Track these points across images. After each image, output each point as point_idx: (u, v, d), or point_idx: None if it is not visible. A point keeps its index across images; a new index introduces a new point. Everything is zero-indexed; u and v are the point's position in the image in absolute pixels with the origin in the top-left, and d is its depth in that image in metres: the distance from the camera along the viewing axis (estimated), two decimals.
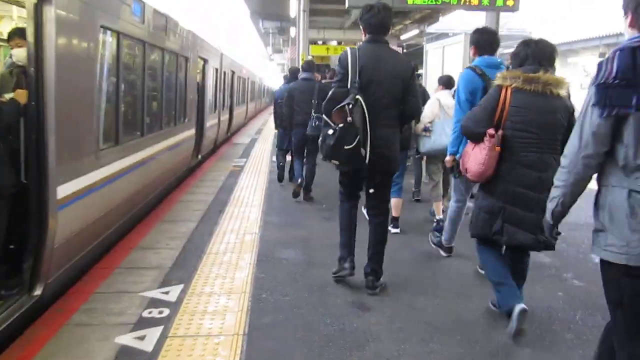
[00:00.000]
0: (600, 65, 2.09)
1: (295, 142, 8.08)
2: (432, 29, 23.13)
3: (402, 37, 22.10)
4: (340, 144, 3.87)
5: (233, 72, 18.18)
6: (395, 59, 4.13)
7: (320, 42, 22.08)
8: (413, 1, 8.47)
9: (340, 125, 3.87)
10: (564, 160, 2.29)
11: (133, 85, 6.66)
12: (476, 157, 3.47)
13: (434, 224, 5.91)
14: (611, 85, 2.03)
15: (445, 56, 8.86)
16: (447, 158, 4.57)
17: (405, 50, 23.46)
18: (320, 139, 4.08)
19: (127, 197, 6.01)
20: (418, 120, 5.87)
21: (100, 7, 4.96)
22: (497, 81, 3.42)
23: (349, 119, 3.81)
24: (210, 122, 12.79)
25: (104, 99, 5.27)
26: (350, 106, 3.82)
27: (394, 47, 22.22)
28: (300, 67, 9.23)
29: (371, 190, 4.26)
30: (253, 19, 23.06)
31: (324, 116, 4.08)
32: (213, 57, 12.93)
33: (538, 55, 3.43)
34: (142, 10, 6.34)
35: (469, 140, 3.73)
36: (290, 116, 7.90)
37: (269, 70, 60.72)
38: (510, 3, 8.59)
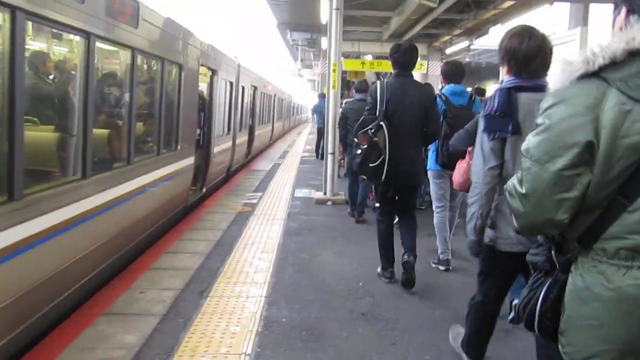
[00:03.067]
0: (486, 101, 2.89)
1: (349, 162, 8.06)
2: (476, 44, 20.59)
3: (448, 51, 19.60)
4: (365, 161, 4.66)
5: (255, 88, 15.93)
6: (418, 90, 4.80)
7: (354, 56, 19.74)
8: None
9: (365, 146, 4.64)
10: (474, 178, 2.90)
11: (67, 99, 4.36)
12: (459, 170, 3.77)
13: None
14: (494, 116, 2.78)
15: None
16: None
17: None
18: (352, 156, 5.33)
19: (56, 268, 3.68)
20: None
21: None
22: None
23: (375, 139, 4.58)
24: (220, 146, 10.47)
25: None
26: (373, 130, 4.60)
27: (436, 62, 19.87)
28: (354, 86, 9.08)
29: (397, 199, 4.93)
30: (280, 30, 20.85)
31: (355, 139, 4.80)
32: (226, 69, 10.63)
33: None
34: None
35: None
36: (344, 137, 7.94)
37: (299, 87, 58.65)
38: None
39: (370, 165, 4.58)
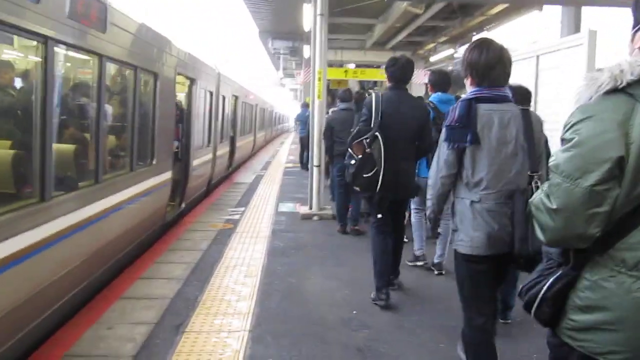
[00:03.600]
0: (448, 112, 2.99)
1: (336, 174, 7.85)
2: (460, 52, 20.35)
3: (432, 59, 19.34)
4: (360, 172, 4.60)
5: (236, 97, 15.45)
6: (413, 104, 4.84)
7: (337, 65, 19.33)
8: None
9: (360, 156, 4.59)
10: (430, 181, 3.13)
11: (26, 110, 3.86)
12: None
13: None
14: (454, 127, 2.89)
15: (541, 66, 6.00)
16: None
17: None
18: (346, 167, 4.91)
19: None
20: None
21: None
22: None
23: (368, 150, 4.54)
24: (200, 158, 9.96)
25: None
26: (368, 140, 4.55)
27: (420, 70, 19.57)
28: (337, 96, 8.66)
29: (382, 214, 4.80)
30: (262, 38, 20.40)
31: (349, 149, 4.74)
32: (205, 77, 10.14)
33: None
34: None
35: None
36: (330, 148, 7.68)
37: (281, 96, 58.16)
38: None
39: (365, 175, 4.56)
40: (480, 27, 14.16)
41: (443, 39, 16.67)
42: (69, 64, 4.89)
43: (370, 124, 4.61)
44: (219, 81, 11.96)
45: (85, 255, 4.64)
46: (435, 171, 3.06)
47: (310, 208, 8.69)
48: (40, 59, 3.77)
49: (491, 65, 2.90)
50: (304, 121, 15.39)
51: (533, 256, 2.56)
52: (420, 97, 6.02)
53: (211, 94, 11.08)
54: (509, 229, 2.77)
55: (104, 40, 4.80)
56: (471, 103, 2.87)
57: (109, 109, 5.42)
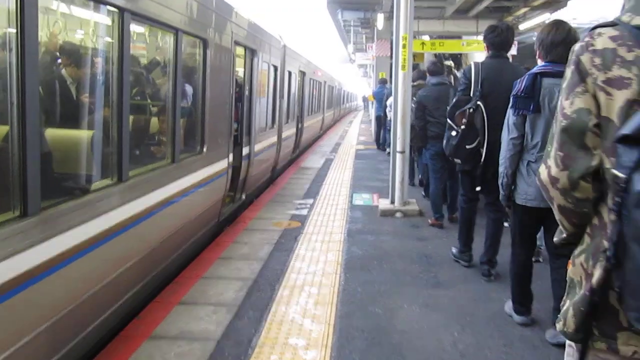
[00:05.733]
0: (515, 83, 3.47)
1: (430, 159, 6.70)
2: (552, 19, 18.05)
3: (522, 27, 17.20)
4: (462, 143, 4.51)
5: (303, 74, 14.10)
6: (514, 72, 4.41)
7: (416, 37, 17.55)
8: None
9: (463, 127, 4.48)
10: (502, 146, 3.67)
11: None
12: None
13: None
14: (520, 96, 3.37)
15: None
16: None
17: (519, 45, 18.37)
18: (445, 140, 4.81)
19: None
20: None
21: None
22: None
23: (465, 121, 4.49)
24: (263, 143, 8.71)
25: None
26: (472, 110, 4.42)
27: None
28: (426, 69, 7.92)
29: (481, 188, 4.65)
30: (330, 9, 18.85)
31: (448, 120, 4.71)
32: (269, 50, 8.83)
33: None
34: None
35: None
36: (423, 129, 6.53)
37: (348, 73, 56.38)
38: None
39: (467, 147, 4.47)
40: None
41: (537, 2, 14.54)
42: (72, 26, 3.64)
43: (470, 93, 4.54)
44: (284, 54, 10.64)
45: (100, 279, 3.44)
46: (506, 134, 3.59)
47: (392, 202, 7.25)
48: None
49: (556, 43, 3.29)
50: (380, 99, 13.90)
51: None
52: (522, 67, 5.09)
53: (275, 68, 9.78)
54: None
55: None
56: (536, 77, 3.31)
57: (133, 80, 4.18)
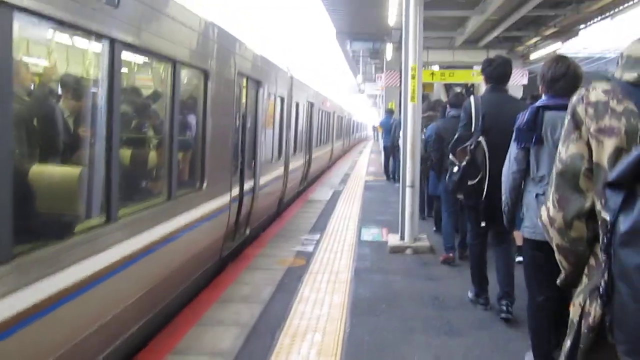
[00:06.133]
0: (518, 116, 3.47)
1: (444, 191, 6.36)
2: (563, 48, 17.86)
3: (533, 57, 17.03)
4: (464, 179, 4.50)
5: (311, 104, 13.95)
6: (515, 106, 4.40)
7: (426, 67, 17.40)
8: None
9: (464, 163, 4.48)
10: (502, 178, 3.62)
11: None
12: None
13: None
14: (522, 129, 3.39)
15: None
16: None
17: (530, 75, 18.13)
18: (447, 175, 4.84)
19: None
20: None
21: None
22: None
23: (467, 158, 4.45)
24: (268, 175, 8.49)
25: None
26: (472, 146, 4.42)
27: (517, 69, 17.31)
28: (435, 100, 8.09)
29: (486, 223, 4.48)
30: (339, 39, 18.85)
31: (450, 156, 4.75)
32: (274, 81, 8.67)
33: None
34: None
35: None
36: (440, 161, 6.36)
37: (358, 103, 56.47)
38: None
39: (470, 182, 4.45)
40: (600, 13, 11.85)
41: (549, 31, 14.37)
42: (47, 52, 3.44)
43: (471, 129, 4.54)
44: (291, 85, 10.49)
45: (84, 329, 3.16)
46: (507, 168, 3.56)
47: (402, 238, 6.94)
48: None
49: (556, 78, 3.38)
50: (387, 129, 13.70)
51: None
52: (522, 100, 5.45)
53: (282, 99, 9.61)
54: None
55: (117, 18, 3.33)
56: (538, 110, 3.36)
57: (126, 112, 3.97)
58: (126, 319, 3.77)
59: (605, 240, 1.41)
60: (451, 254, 6.22)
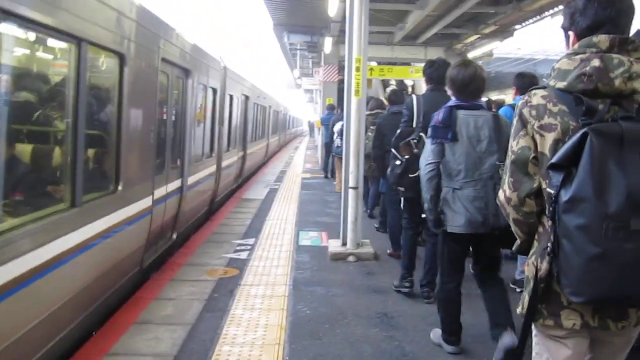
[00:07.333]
0: (433, 115, 3.74)
1: (388, 189, 6.10)
2: (498, 48, 17.96)
3: (470, 55, 16.96)
4: (405, 173, 4.61)
5: (247, 97, 13.24)
6: None
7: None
8: None
9: (407, 157, 4.62)
10: (420, 172, 3.76)
11: None
12: None
13: None
14: (437, 127, 3.61)
15: None
16: None
17: None
18: (389, 169, 4.94)
19: None
20: None
21: None
22: None
23: (415, 150, 4.49)
24: (198, 174, 7.76)
25: None
26: (416, 141, 4.56)
27: None
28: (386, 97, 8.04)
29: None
30: (276, 32, 18.15)
31: (392, 150, 4.85)
32: (206, 71, 7.94)
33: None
34: None
35: None
36: (381, 158, 6.04)
37: (294, 98, 55.84)
38: None
39: (410, 176, 4.53)
40: (540, 12, 11.77)
41: (488, 29, 14.27)
42: None
43: (412, 125, 4.76)
44: (225, 77, 9.76)
45: None
46: (423, 161, 3.74)
47: (344, 244, 6.41)
48: None
49: (466, 83, 3.66)
50: (327, 125, 13.19)
51: (504, 228, 2.63)
52: None
53: (214, 91, 8.87)
54: (484, 211, 3.47)
55: None
56: (452, 109, 3.63)
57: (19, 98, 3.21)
58: (14, 354, 3.03)
59: (551, 210, 1.79)
60: (399, 253, 5.88)
